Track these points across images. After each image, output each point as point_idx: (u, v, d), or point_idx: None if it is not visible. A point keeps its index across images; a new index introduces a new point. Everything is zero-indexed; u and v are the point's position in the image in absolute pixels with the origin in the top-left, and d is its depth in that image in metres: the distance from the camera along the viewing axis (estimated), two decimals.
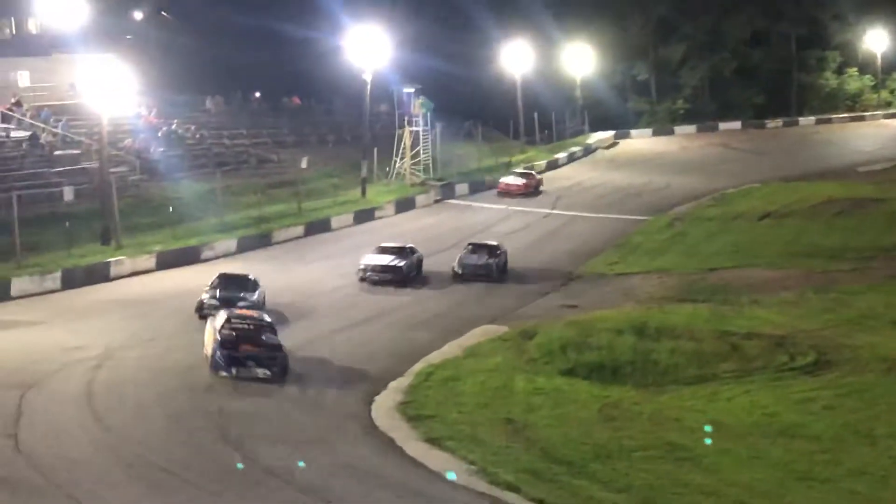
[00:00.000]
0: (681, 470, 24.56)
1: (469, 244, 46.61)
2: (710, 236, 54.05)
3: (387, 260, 42.67)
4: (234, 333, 30.59)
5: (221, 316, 31.77)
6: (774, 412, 29.21)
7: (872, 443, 27.18)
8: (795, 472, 24.99)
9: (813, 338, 35.85)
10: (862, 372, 32.81)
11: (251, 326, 31.28)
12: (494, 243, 46.74)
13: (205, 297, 36.12)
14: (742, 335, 35.82)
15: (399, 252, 43.58)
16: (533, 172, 67.56)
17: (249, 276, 37.88)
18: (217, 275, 37.52)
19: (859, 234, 53.22)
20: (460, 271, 44.21)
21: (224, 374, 29.51)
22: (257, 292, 36.87)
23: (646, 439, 26.52)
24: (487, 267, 44.35)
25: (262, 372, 29.70)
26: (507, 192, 63.85)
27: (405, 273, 42.59)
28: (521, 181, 64.86)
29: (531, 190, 64.75)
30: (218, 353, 29.88)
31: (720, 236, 53.95)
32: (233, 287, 36.59)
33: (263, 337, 30.96)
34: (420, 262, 44.30)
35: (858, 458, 26.02)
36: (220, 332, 30.67)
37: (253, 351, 30.14)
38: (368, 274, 42.35)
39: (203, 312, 35.43)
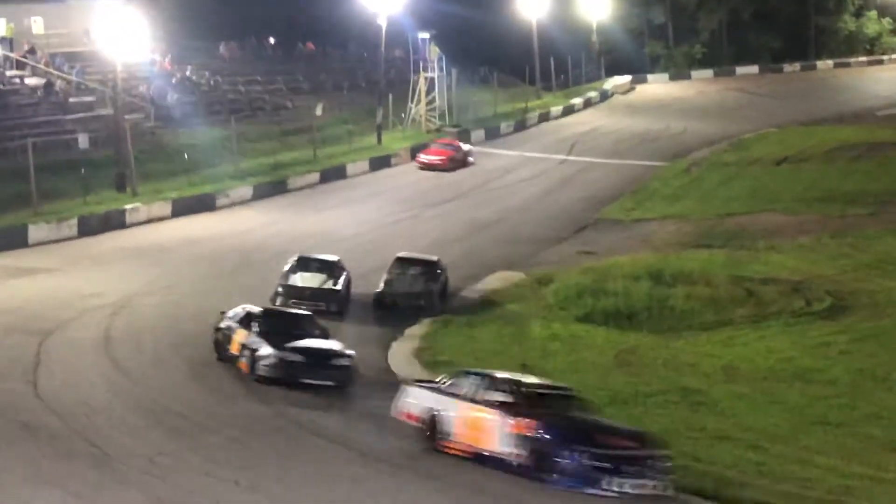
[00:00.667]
0: (696, 415, 24.62)
1: (397, 258, 34.06)
2: (726, 181, 53.89)
3: (318, 282, 31.87)
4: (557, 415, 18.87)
5: (470, 382, 20.21)
6: (790, 357, 29.24)
7: (889, 387, 27.23)
8: (811, 416, 25.02)
9: (829, 283, 35.84)
10: (879, 317, 32.83)
11: (568, 401, 19.95)
12: (433, 258, 34.63)
13: (242, 338, 25.41)
14: (758, 280, 35.82)
15: (329, 268, 32.49)
16: (457, 143, 58.12)
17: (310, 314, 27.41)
18: (245, 309, 26.74)
19: (876, 178, 53.00)
20: (387, 300, 32.73)
21: (590, 490, 17.94)
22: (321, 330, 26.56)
23: (661, 385, 26.58)
24: (427, 295, 32.87)
25: (651, 485, 18.25)
26: (429, 168, 55.23)
27: (342, 298, 32.07)
28: (441, 156, 55.87)
29: (457, 164, 55.85)
30: (563, 456, 18.03)
31: (737, 181, 53.78)
32: (284, 325, 26.12)
33: (605, 421, 19.68)
34: (350, 281, 32.92)
35: (874, 402, 26.04)
36: (538, 415, 18.68)
37: (623, 448, 18.38)
38: (291, 302, 30.72)
39: (226, 354, 25.78)
